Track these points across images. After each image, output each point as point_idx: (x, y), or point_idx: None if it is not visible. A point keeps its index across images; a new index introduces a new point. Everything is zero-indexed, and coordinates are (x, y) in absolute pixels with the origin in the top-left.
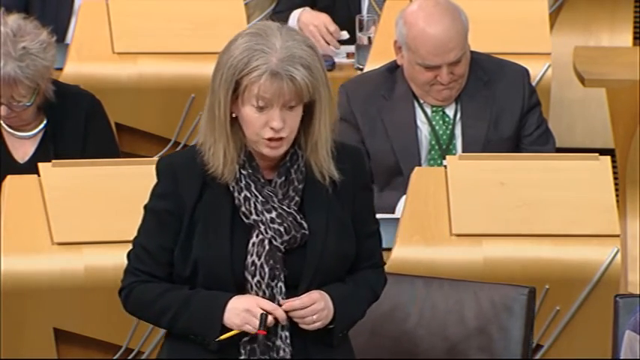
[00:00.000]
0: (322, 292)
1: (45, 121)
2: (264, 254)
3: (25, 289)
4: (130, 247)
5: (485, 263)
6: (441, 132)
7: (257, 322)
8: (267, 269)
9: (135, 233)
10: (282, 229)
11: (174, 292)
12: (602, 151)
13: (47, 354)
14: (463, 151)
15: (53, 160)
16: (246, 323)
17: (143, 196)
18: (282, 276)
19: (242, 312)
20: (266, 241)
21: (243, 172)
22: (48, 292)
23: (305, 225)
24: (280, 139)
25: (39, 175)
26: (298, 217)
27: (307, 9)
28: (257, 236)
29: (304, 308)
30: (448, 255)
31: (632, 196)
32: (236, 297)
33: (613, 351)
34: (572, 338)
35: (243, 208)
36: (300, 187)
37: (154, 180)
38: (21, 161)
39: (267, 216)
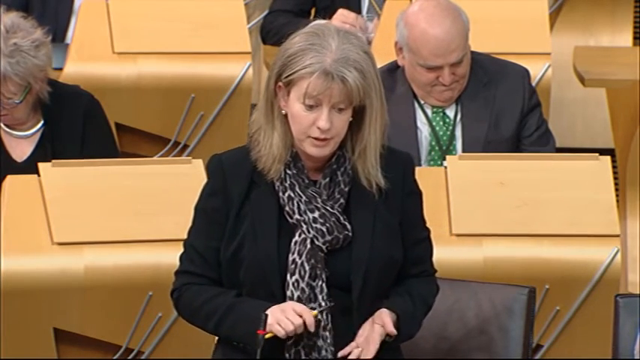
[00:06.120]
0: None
1: (42, 121)
2: (305, 253)
3: (25, 289)
4: (129, 247)
5: (485, 263)
6: (441, 133)
7: (289, 324)
8: (307, 268)
9: (134, 233)
10: (324, 229)
11: (220, 297)
12: (602, 151)
13: (47, 354)
14: (463, 152)
15: (53, 160)
16: (277, 323)
17: (143, 196)
18: (323, 276)
19: (276, 313)
20: (308, 241)
21: (289, 172)
22: (48, 292)
23: (348, 226)
24: (326, 139)
25: (39, 175)
26: (342, 218)
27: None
28: (299, 235)
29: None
30: (448, 255)
31: (632, 196)
32: (277, 305)
33: (613, 351)
34: (572, 338)
35: (287, 208)
36: (346, 189)
37: (154, 180)
38: (19, 160)
39: (310, 216)
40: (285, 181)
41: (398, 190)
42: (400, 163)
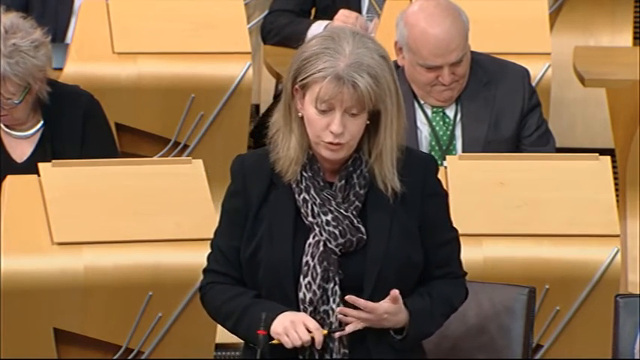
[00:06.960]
0: (398, 304)
1: (42, 121)
2: (317, 255)
3: (25, 289)
4: (129, 247)
5: (486, 263)
6: (441, 133)
7: (296, 336)
8: (319, 270)
9: (134, 233)
10: (337, 231)
11: (239, 298)
12: (602, 151)
13: (47, 354)
14: (463, 152)
15: (53, 160)
16: (285, 334)
17: (143, 196)
18: (336, 278)
19: (287, 322)
20: (321, 243)
21: (305, 174)
22: (48, 292)
23: (362, 229)
24: (340, 144)
25: (39, 175)
26: (355, 221)
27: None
28: (313, 237)
29: (368, 310)
30: None
31: (632, 196)
32: (290, 311)
33: (613, 351)
34: (572, 338)
35: (302, 210)
36: (362, 192)
37: (154, 180)
38: (19, 161)
39: (323, 218)
40: (301, 183)
41: (417, 192)
42: (421, 165)
